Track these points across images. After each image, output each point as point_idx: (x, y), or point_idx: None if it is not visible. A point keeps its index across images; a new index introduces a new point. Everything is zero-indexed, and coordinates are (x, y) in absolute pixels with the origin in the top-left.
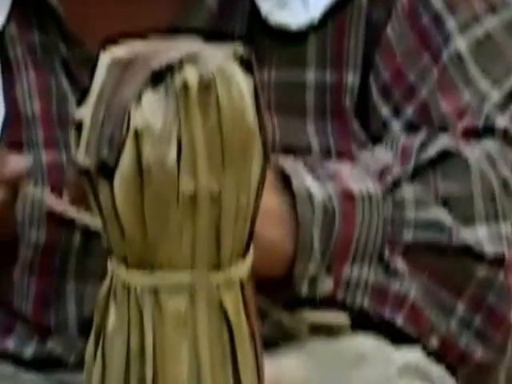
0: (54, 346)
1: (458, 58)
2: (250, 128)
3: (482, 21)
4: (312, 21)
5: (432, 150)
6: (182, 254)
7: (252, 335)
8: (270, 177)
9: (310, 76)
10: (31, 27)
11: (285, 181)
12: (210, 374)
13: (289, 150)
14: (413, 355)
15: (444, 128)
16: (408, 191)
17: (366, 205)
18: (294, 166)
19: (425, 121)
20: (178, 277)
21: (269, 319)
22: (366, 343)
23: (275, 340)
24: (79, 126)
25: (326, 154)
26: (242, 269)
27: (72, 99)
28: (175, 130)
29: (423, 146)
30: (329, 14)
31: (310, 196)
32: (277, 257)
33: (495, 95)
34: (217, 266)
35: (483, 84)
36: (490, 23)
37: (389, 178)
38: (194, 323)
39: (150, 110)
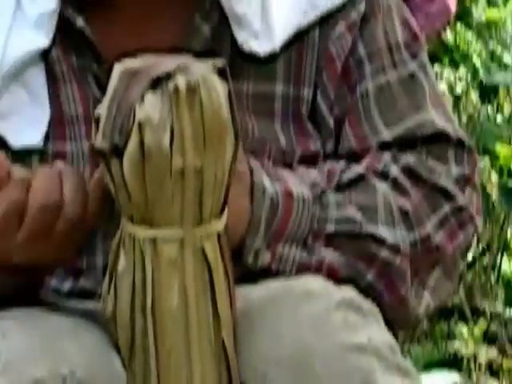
0: (85, 282)
1: (366, 95)
2: (225, 121)
3: (386, 72)
4: (274, 51)
5: (350, 174)
6: (173, 213)
7: (226, 274)
8: (246, 181)
9: (278, 89)
10: (71, 51)
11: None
12: (194, 302)
13: (263, 143)
14: (348, 292)
15: (355, 161)
16: (331, 197)
17: (300, 203)
18: (257, 169)
19: (341, 150)
20: (171, 230)
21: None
22: (315, 283)
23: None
24: (98, 120)
25: (290, 146)
26: (219, 224)
27: None
28: (169, 122)
29: (342, 172)
30: (290, 43)
31: (264, 192)
32: (236, 231)
33: (387, 135)
34: (200, 222)
35: (379, 123)
36: (391, 76)
37: (318, 189)
38: (182, 265)
39: (150, 107)
